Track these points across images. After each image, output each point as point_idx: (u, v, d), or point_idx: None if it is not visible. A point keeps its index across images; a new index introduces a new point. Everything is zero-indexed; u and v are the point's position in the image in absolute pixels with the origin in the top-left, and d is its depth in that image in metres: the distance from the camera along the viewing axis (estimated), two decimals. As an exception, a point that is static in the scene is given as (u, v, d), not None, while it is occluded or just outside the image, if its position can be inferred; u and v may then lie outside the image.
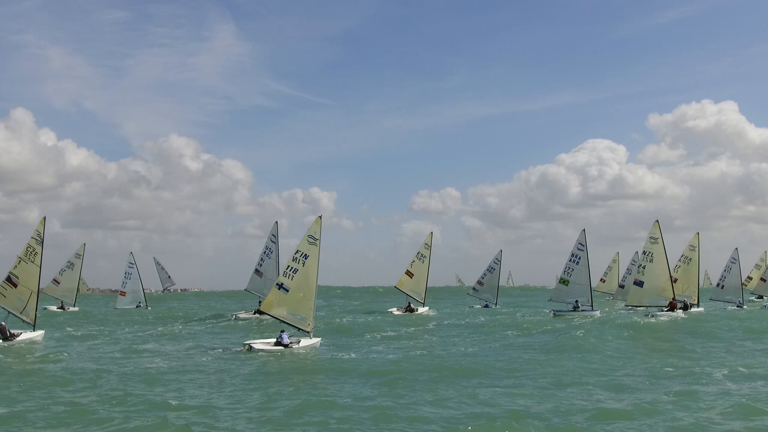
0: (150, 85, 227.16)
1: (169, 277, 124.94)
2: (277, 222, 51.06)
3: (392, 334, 37.28)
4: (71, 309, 63.91)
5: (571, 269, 51.36)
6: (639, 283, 49.76)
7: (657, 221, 50.70)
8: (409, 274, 57.09)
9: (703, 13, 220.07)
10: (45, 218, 30.26)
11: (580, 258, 51.14)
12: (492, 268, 70.93)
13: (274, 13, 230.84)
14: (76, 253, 67.39)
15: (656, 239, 49.59)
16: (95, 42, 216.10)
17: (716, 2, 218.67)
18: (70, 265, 66.49)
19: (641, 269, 50.03)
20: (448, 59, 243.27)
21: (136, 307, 66.25)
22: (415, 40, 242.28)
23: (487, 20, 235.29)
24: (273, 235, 49.36)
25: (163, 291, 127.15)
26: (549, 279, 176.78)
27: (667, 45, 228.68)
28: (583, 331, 35.92)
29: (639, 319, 43.49)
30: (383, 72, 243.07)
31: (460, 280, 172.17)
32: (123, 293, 68.83)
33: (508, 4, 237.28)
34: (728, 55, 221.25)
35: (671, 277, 50.47)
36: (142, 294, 69.04)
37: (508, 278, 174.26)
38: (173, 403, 17.91)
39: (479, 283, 72.39)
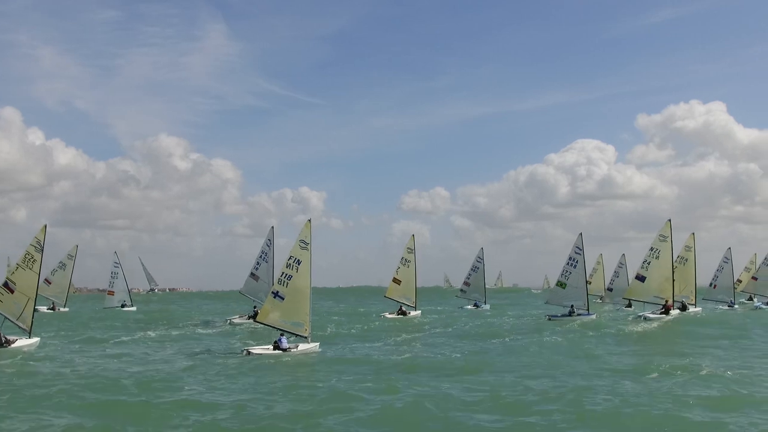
0: (140, 85, 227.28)
1: (152, 278, 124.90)
2: (273, 227, 51.51)
3: (387, 338, 37.68)
4: (62, 309, 64.45)
5: (568, 272, 51.88)
6: (641, 278, 51.55)
7: (669, 221, 52.77)
8: (396, 281, 56.82)
9: (695, 15, 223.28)
10: (45, 226, 30.37)
11: (577, 262, 51.71)
12: (475, 267, 71.75)
13: (265, 13, 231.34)
14: (69, 254, 67.89)
15: (666, 237, 51.71)
16: (86, 42, 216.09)
17: (708, 3, 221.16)
18: (62, 265, 66.99)
19: (646, 265, 51.76)
20: (440, 59, 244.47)
21: (122, 306, 66.82)
22: (406, 39, 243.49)
23: (479, 20, 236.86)
24: (269, 239, 49.70)
25: (149, 291, 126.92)
26: (538, 279, 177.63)
27: (659, 45, 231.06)
28: (575, 334, 36.46)
29: (633, 325, 44.13)
30: (374, 72, 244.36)
31: (447, 281, 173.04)
32: (111, 293, 69.76)
33: (501, 3, 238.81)
34: (718, 56, 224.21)
35: (673, 277, 52.08)
36: (127, 293, 69.82)
37: (498, 278, 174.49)
38: (172, 406, 18.26)
39: (466, 284, 73.24)
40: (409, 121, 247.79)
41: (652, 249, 51.82)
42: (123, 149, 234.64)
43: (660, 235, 52.05)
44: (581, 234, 52.94)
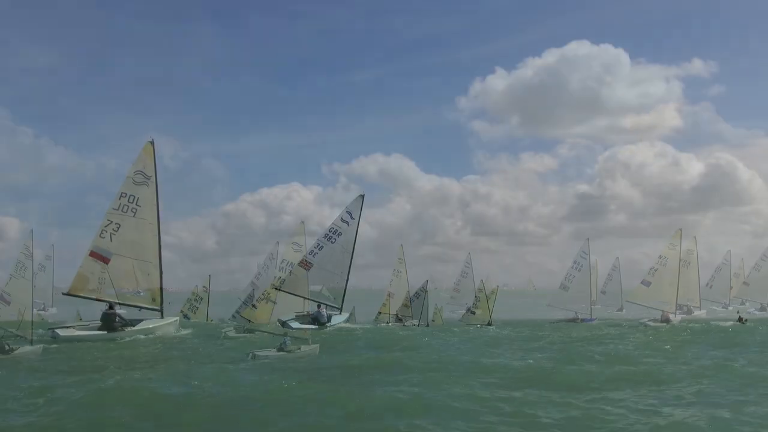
0: (128, 82, 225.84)
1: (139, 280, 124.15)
2: (278, 242, 51.00)
3: (382, 343, 37.56)
4: (50, 310, 64.33)
5: (572, 276, 52.43)
6: (646, 283, 52.98)
7: (680, 230, 54.01)
8: (390, 295, 56.16)
9: (679, 15, 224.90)
10: (32, 231, 30.29)
11: (582, 266, 52.19)
12: (465, 272, 72.41)
13: (255, 10, 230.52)
14: (47, 255, 68.40)
15: (675, 246, 52.99)
16: (73, 38, 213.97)
17: (691, 4, 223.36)
18: (42, 267, 67.05)
19: (653, 272, 52.97)
20: (427, 60, 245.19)
21: (109, 308, 66.27)
22: (394, 38, 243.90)
23: (466, 21, 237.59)
24: (272, 253, 49.75)
25: (137, 293, 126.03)
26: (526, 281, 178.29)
27: (643, 44, 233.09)
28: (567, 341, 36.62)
29: (633, 333, 44.46)
30: (363, 71, 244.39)
31: (433, 283, 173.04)
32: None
33: (485, 5, 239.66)
34: (704, 56, 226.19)
35: (678, 286, 53.13)
36: (115, 295, 69.06)
37: (487, 280, 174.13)
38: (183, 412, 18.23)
39: (455, 290, 73.77)
40: (397, 120, 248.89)
41: (660, 257, 53.42)
42: (111, 148, 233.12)
43: (670, 243, 53.29)
44: (588, 239, 53.97)
